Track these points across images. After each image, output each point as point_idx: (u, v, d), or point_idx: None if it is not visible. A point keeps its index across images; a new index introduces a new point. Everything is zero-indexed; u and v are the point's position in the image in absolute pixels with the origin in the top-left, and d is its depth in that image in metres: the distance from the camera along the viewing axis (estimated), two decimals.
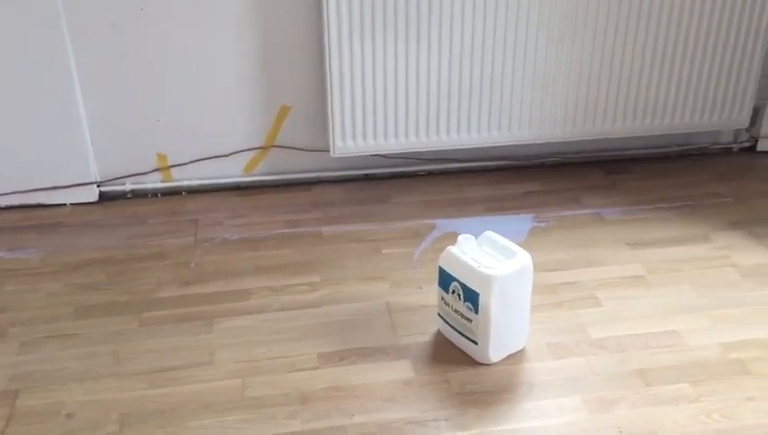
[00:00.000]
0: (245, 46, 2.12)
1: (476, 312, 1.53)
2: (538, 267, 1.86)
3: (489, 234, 1.62)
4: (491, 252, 1.57)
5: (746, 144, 2.48)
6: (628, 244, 2.00)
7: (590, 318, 1.72)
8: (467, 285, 1.53)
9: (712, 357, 1.60)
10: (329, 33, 2.05)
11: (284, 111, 2.23)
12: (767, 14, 2.21)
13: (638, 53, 2.21)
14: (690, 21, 2.19)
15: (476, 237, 1.62)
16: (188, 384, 1.54)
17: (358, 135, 2.19)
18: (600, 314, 1.74)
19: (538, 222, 2.11)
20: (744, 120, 2.34)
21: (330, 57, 2.08)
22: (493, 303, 1.51)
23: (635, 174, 2.38)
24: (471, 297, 1.53)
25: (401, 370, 1.58)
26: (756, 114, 2.40)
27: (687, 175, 2.37)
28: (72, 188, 2.19)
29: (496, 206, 2.20)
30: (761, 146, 2.47)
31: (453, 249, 1.58)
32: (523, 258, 1.55)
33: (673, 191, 2.27)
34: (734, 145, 2.48)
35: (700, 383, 1.53)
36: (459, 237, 1.60)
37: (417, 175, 2.38)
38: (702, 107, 2.31)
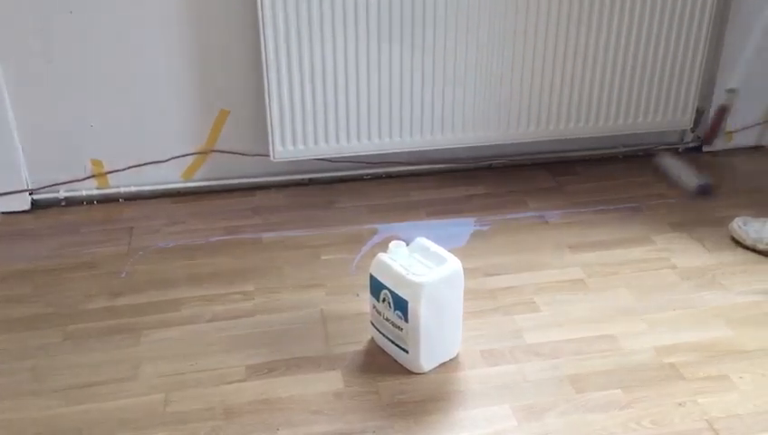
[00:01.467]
0: (181, 49, 2.07)
1: (406, 320, 1.50)
2: (477, 272, 1.86)
3: (421, 240, 1.59)
4: (421, 259, 1.54)
5: (692, 144, 2.48)
6: (569, 247, 1.98)
7: (526, 323, 1.70)
8: (397, 292, 1.50)
9: (645, 362, 1.58)
10: (264, 36, 2.01)
11: (223, 115, 2.18)
12: (707, 17, 2.20)
13: (582, 55, 2.20)
14: (632, 22, 2.18)
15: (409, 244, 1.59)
16: (109, 401, 1.49)
17: (299, 139, 2.15)
18: (538, 319, 1.72)
19: (480, 226, 2.09)
20: (687, 120, 2.34)
21: (267, 60, 2.04)
22: (422, 310, 1.48)
23: (581, 176, 2.36)
24: (401, 305, 1.50)
25: (331, 381, 1.54)
26: (700, 115, 2.40)
27: (633, 176, 2.36)
28: (2, 197, 2.12)
29: (440, 209, 2.17)
30: (706, 146, 2.47)
31: (383, 256, 1.55)
32: (454, 265, 1.52)
33: (618, 193, 2.26)
34: (679, 146, 2.48)
35: (632, 389, 1.51)
36: (390, 244, 1.57)
37: (362, 179, 2.35)
38: (646, 108, 2.31)
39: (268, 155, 2.17)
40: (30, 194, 2.15)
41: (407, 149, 2.26)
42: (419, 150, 2.28)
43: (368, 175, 2.35)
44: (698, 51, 2.25)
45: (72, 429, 1.42)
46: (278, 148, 2.15)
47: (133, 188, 2.21)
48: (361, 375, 1.55)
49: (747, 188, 2.26)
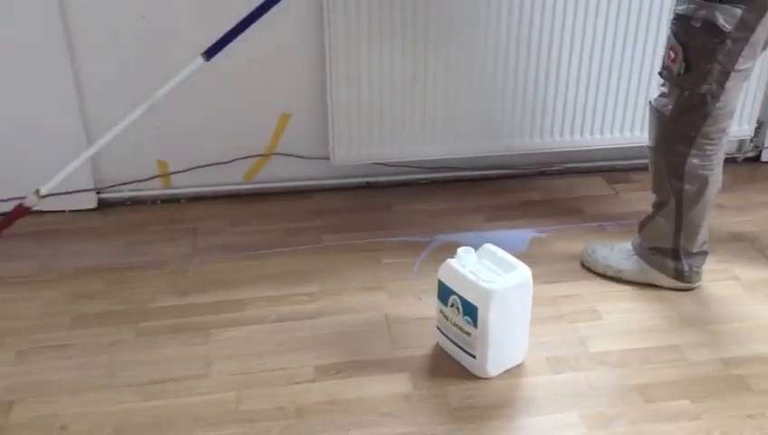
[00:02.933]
0: (246, 53, 2.10)
1: (475, 326, 1.52)
2: (538, 279, 1.84)
3: (488, 246, 1.60)
4: (490, 265, 1.56)
5: (750, 154, 2.46)
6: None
7: (589, 332, 1.70)
8: (466, 298, 1.52)
9: (713, 373, 1.58)
10: (330, 42, 2.04)
11: (285, 118, 2.22)
12: None
13: (639, 62, 2.19)
14: None
15: (476, 249, 1.60)
16: (183, 397, 1.53)
17: (358, 143, 2.18)
18: (601, 327, 1.72)
19: (539, 233, 2.09)
20: (747, 129, 2.32)
21: (330, 65, 2.07)
22: (491, 317, 1.49)
23: (638, 184, 2.35)
24: (470, 311, 1.51)
25: (399, 383, 1.56)
26: (761, 125, 2.37)
27: None
28: (70, 195, 2.17)
29: (497, 215, 2.19)
30: (765, 156, 2.45)
31: (452, 262, 1.57)
32: (523, 272, 1.53)
33: None
34: (738, 156, 2.46)
35: (701, 400, 1.51)
36: (459, 250, 1.58)
37: (420, 183, 2.37)
38: None
39: (328, 158, 2.21)
40: (97, 193, 2.21)
41: (463, 155, 2.28)
42: (476, 156, 2.30)
43: (425, 180, 2.37)
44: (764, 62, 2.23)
45: (150, 424, 1.46)
46: (338, 151, 2.18)
47: (196, 189, 2.26)
48: (429, 379, 1.57)
49: None
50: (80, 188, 2.18)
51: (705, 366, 1.60)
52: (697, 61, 1.61)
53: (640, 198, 2.26)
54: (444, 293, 1.58)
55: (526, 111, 2.22)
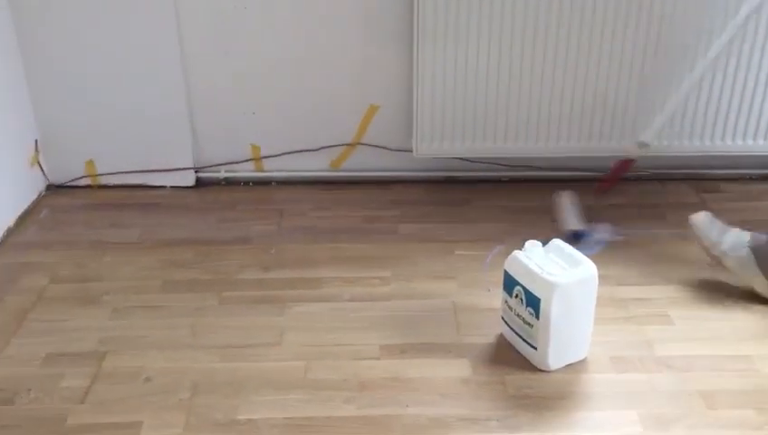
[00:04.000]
0: (340, 46, 2.21)
1: (537, 317, 1.54)
2: (610, 280, 1.87)
3: (557, 241, 1.63)
4: (556, 259, 1.58)
5: None
6: (709, 264, 1.94)
7: (657, 335, 1.69)
8: (530, 290, 1.55)
9: None
10: (419, 37, 2.11)
11: (372, 110, 2.31)
12: None
13: (733, 68, 2.14)
14: None
15: (545, 244, 1.63)
16: (256, 362, 1.63)
17: (441, 137, 2.24)
18: (669, 331, 1.71)
19: (617, 235, 2.08)
20: None
21: (418, 61, 2.14)
22: (554, 309, 1.52)
23: (726, 193, 2.30)
24: (533, 302, 1.54)
25: (460, 368, 1.61)
26: None
27: None
28: (171, 172, 2.35)
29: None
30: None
31: (518, 254, 1.60)
32: (589, 268, 1.55)
33: (765, 214, 2.18)
34: None
35: (766, 410, 1.48)
36: (526, 243, 1.62)
37: (500, 181, 2.40)
38: None
39: (411, 150, 2.28)
40: (195, 172, 2.37)
41: (545, 155, 2.29)
42: (557, 157, 2.31)
43: (506, 177, 2.40)
44: None
45: (224, 383, 1.57)
46: (421, 144, 2.25)
47: (285, 174, 2.39)
48: (489, 366, 1.61)
49: None
50: (180, 167, 2.35)
51: None
52: None
53: (727, 209, 2.21)
54: (509, 284, 1.61)
55: (608, 113, 2.21)
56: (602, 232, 2.01)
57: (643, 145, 2.17)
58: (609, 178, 2.27)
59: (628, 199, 2.28)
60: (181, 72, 2.23)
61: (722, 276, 1.87)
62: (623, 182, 2.35)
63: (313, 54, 2.23)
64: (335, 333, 1.72)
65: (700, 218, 1.88)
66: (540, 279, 1.53)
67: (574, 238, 1.96)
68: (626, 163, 2.25)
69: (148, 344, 1.69)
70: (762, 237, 1.80)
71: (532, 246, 1.61)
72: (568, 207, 2.12)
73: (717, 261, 1.83)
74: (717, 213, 2.19)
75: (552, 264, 1.56)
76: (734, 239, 1.82)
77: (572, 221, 2.08)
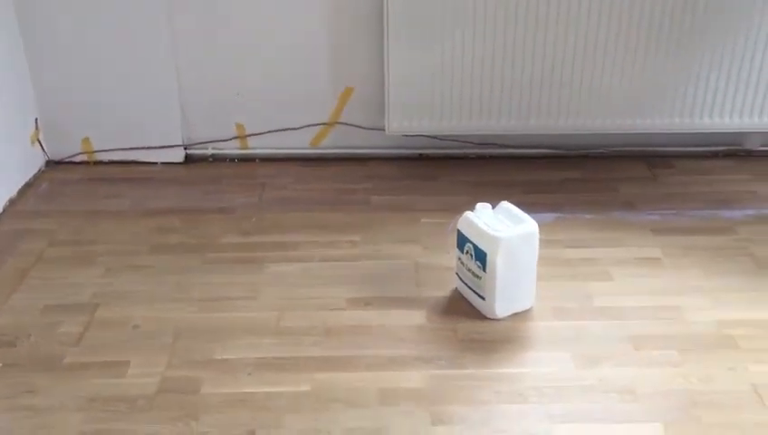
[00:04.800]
0: (318, 31, 2.38)
1: (485, 270, 1.72)
2: (559, 243, 2.05)
3: (505, 204, 1.80)
4: (503, 219, 1.75)
5: None
6: (652, 230, 2.12)
7: (597, 290, 1.87)
8: (478, 245, 1.73)
9: (706, 332, 1.71)
10: (389, 21, 2.28)
11: (348, 91, 2.48)
12: None
13: (686, 49, 2.31)
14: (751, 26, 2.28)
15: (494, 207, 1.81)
16: (234, 312, 1.81)
17: (410, 116, 2.41)
18: (609, 287, 1.88)
19: (571, 205, 2.26)
20: None
21: (389, 44, 2.31)
22: (499, 262, 1.69)
23: (677, 169, 2.47)
24: (480, 256, 1.72)
25: (416, 317, 1.79)
26: None
27: (728, 174, 2.44)
28: (162, 149, 2.53)
29: (535, 189, 2.36)
30: None
31: (469, 214, 1.78)
32: (531, 226, 1.73)
33: (709, 186, 2.36)
34: None
35: (688, 352, 1.65)
36: (477, 205, 1.79)
37: (468, 157, 2.58)
38: (747, 108, 2.38)
39: (384, 129, 2.45)
40: (185, 149, 2.55)
41: (511, 132, 2.46)
42: (522, 134, 2.48)
43: (473, 154, 2.57)
44: None
45: (204, 330, 1.75)
46: (392, 123, 2.42)
47: (268, 151, 2.56)
48: (443, 315, 1.79)
49: None
50: (170, 144, 2.53)
51: (700, 326, 1.73)
52: None
53: (677, 183, 2.40)
54: (461, 241, 1.79)
55: (571, 93, 2.38)
56: None
57: None
58: None
59: (582, 174, 2.45)
60: (172, 56, 2.40)
61: (661, 242, 2.05)
62: (579, 159, 2.53)
63: (293, 40, 2.40)
64: (306, 289, 1.90)
65: None
66: (486, 235, 1.70)
67: None
68: None
69: (137, 298, 1.87)
70: None
71: (483, 207, 1.79)
72: None
73: None
74: (666, 186, 2.38)
75: (499, 222, 1.74)
76: None
77: None
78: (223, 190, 2.40)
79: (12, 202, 2.31)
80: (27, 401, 1.55)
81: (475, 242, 1.74)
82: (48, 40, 2.37)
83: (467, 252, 1.77)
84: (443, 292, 1.88)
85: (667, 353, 1.65)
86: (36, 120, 2.46)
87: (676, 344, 1.68)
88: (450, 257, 1.98)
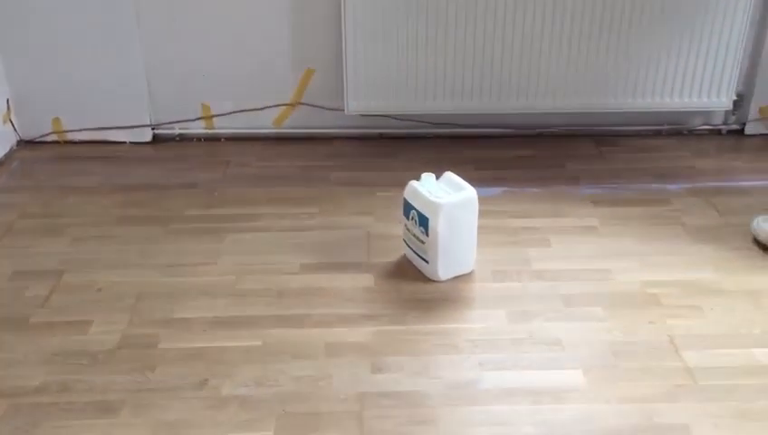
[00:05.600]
0: (279, 16, 2.49)
1: (428, 234, 1.84)
2: (503, 214, 2.18)
3: (448, 174, 1.92)
4: (445, 187, 1.88)
5: (734, 127, 2.65)
6: (593, 202, 2.25)
7: (536, 255, 2.00)
8: (421, 211, 1.84)
9: (631, 291, 1.85)
10: (346, 4, 2.39)
11: (309, 73, 2.59)
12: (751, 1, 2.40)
13: (626, 32, 2.44)
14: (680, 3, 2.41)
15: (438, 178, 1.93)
16: (193, 277, 1.92)
17: (368, 96, 2.52)
18: (547, 252, 2.01)
19: (519, 180, 2.38)
20: (725, 103, 2.53)
21: (346, 27, 2.43)
22: (440, 227, 1.81)
23: (622, 147, 2.61)
24: (424, 222, 1.84)
25: (365, 280, 1.90)
26: (740, 99, 2.57)
27: (670, 151, 2.58)
28: (131, 129, 2.62)
29: (487, 165, 2.49)
30: (749, 129, 2.64)
31: (414, 183, 1.90)
32: (470, 193, 1.85)
33: (651, 163, 2.49)
34: (722, 127, 2.66)
35: (612, 308, 1.78)
36: (422, 175, 1.91)
37: (425, 137, 2.69)
38: (689, 88, 2.52)
39: (343, 109, 2.56)
40: (152, 129, 2.65)
41: (465, 113, 2.58)
42: (477, 114, 2.60)
43: (430, 134, 2.69)
44: (741, 35, 2.43)
45: (165, 293, 1.86)
46: (351, 103, 2.54)
47: (233, 131, 2.67)
48: (389, 279, 1.91)
49: None
50: (138, 124, 2.63)
51: (626, 285, 1.87)
52: None
53: (622, 159, 2.53)
54: (407, 208, 1.91)
55: (524, 74, 2.51)
56: None
57: None
58: None
59: (533, 152, 2.58)
60: (137, 38, 2.50)
61: (600, 213, 2.19)
62: (532, 138, 2.66)
63: (256, 23, 2.51)
64: (263, 255, 2.01)
65: (754, 228, 2.04)
66: (429, 202, 1.82)
67: None
68: None
69: (102, 264, 1.97)
70: None
71: (427, 177, 1.91)
72: None
73: None
74: (611, 162, 2.51)
75: (441, 190, 1.86)
76: None
77: None
78: (188, 168, 2.50)
79: None
80: None
81: (418, 209, 1.85)
82: (18, 24, 2.46)
83: (412, 218, 1.89)
84: (391, 258, 2.00)
85: (593, 310, 1.78)
86: (8, 100, 2.56)
87: (603, 302, 1.81)
88: (400, 227, 2.10)
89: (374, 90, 2.53)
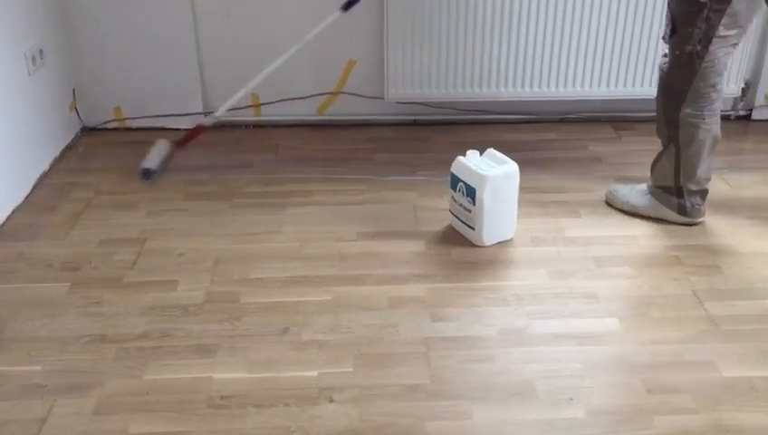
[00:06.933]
0: (324, 12, 2.70)
1: (474, 204, 2.06)
2: (537, 190, 2.40)
3: (491, 150, 2.14)
4: (489, 162, 2.10)
5: (742, 113, 2.88)
6: (616, 179, 2.47)
7: (569, 224, 2.22)
8: (469, 183, 2.07)
9: (656, 253, 2.07)
10: (388, 2, 2.62)
11: (351, 64, 2.81)
12: None
13: (640, 22, 2.67)
14: None
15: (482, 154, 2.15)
16: (262, 244, 2.14)
17: (405, 86, 2.75)
18: (578, 222, 2.23)
19: (545, 160, 2.61)
20: (735, 89, 2.75)
21: (387, 21, 2.65)
22: (486, 196, 2.03)
23: (639, 131, 2.82)
24: (471, 193, 2.06)
25: (416, 246, 2.12)
26: (748, 85, 2.80)
27: None
28: (185, 117, 2.84)
29: (516, 147, 2.68)
30: (756, 115, 2.87)
31: (461, 159, 2.12)
32: (512, 166, 2.07)
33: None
34: (732, 113, 2.89)
35: (641, 268, 2.01)
36: (468, 152, 2.13)
37: (457, 123, 2.91)
38: None
39: (383, 98, 2.78)
40: (205, 116, 2.86)
41: (494, 99, 2.81)
42: (505, 101, 2.83)
43: (461, 120, 2.91)
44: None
45: (239, 257, 2.08)
46: (391, 91, 2.76)
47: (280, 118, 2.88)
48: (439, 244, 2.13)
49: None
50: (192, 112, 2.84)
51: (652, 249, 2.09)
52: (681, 26, 2.03)
53: (638, 141, 2.75)
54: (454, 181, 2.13)
55: (546, 64, 2.73)
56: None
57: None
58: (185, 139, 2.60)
59: (557, 135, 2.81)
60: (193, 33, 2.72)
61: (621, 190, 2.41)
62: (555, 123, 2.88)
63: (299, 20, 2.72)
64: (322, 226, 2.23)
65: (608, 194, 2.31)
66: (475, 174, 2.04)
67: (144, 176, 2.45)
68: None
69: (178, 233, 2.19)
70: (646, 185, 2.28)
71: (472, 153, 2.13)
72: (156, 150, 2.54)
73: (633, 213, 2.25)
74: (629, 143, 2.74)
75: (485, 164, 2.08)
76: (637, 193, 2.26)
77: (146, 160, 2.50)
78: (242, 150, 2.72)
79: (56, 161, 2.62)
80: (96, 310, 1.87)
81: (466, 181, 2.07)
82: (84, 22, 2.67)
83: (459, 190, 2.11)
84: (438, 227, 2.22)
85: (624, 269, 2.00)
86: (74, 90, 2.77)
87: (632, 263, 2.03)
88: (442, 201, 2.32)
89: (411, 79, 2.75)
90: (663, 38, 2.11)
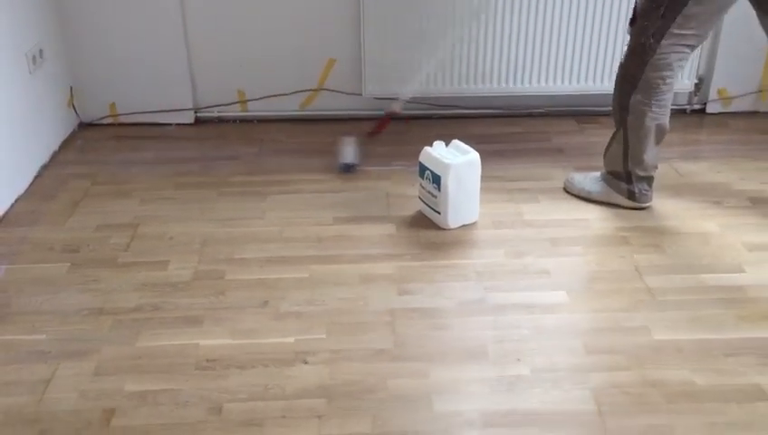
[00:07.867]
0: (305, 12, 2.90)
1: (439, 190, 2.25)
2: (501, 178, 2.59)
3: (456, 141, 2.34)
4: (454, 152, 2.29)
5: (697, 107, 3.08)
6: (575, 168, 2.66)
7: (528, 209, 2.42)
8: (434, 171, 2.26)
9: (606, 234, 2.27)
10: (364, 4, 2.81)
11: (331, 62, 3.00)
12: None
13: (599, 21, 2.87)
14: None
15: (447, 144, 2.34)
16: (246, 228, 2.33)
17: (382, 81, 2.94)
18: (537, 207, 2.43)
19: (512, 152, 2.80)
20: (688, 84, 2.95)
21: (364, 23, 2.84)
22: (450, 183, 2.23)
23: (602, 124, 3.01)
24: (436, 180, 2.25)
25: (387, 228, 2.32)
26: (701, 81, 3.00)
27: None
28: (176, 112, 3.03)
29: (485, 140, 2.89)
30: (710, 108, 3.07)
31: (428, 149, 2.31)
32: (474, 155, 2.27)
33: None
34: (687, 107, 3.09)
35: (589, 247, 2.21)
36: (435, 142, 2.32)
37: (432, 117, 3.10)
38: None
39: (361, 93, 2.97)
40: (194, 112, 3.05)
41: (465, 95, 3.00)
42: (475, 97, 3.02)
43: (437, 114, 3.10)
44: None
45: (225, 240, 2.26)
46: (368, 87, 2.95)
47: (265, 113, 3.07)
48: (408, 227, 2.32)
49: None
50: (182, 108, 3.03)
51: (603, 230, 2.29)
52: (640, 17, 2.18)
53: (599, 134, 2.93)
54: (422, 170, 2.32)
55: (512, 62, 2.93)
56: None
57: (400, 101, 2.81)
58: (376, 130, 2.86)
59: (524, 128, 3.00)
60: (182, 33, 2.90)
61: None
62: (522, 117, 3.08)
63: (284, 21, 2.91)
64: (302, 211, 2.42)
65: (565, 182, 2.51)
66: (440, 163, 2.24)
67: (345, 170, 2.65)
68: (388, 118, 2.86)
69: (169, 219, 2.38)
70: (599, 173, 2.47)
71: (438, 144, 2.32)
72: (346, 148, 2.74)
73: (588, 199, 2.44)
74: (590, 135, 2.93)
75: (450, 154, 2.28)
76: (591, 180, 2.45)
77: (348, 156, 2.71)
78: (229, 144, 2.91)
79: (54, 154, 2.80)
80: (94, 287, 2.06)
81: (432, 169, 2.27)
82: (81, 27, 2.86)
83: (426, 177, 2.30)
84: (409, 212, 2.41)
85: (575, 249, 2.20)
86: (71, 88, 2.95)
87: (583, 243, 2.23)
88: (413, 189, 2.51)
89: (387, 76, 2.94)
90: (628, 25, 2.25)
